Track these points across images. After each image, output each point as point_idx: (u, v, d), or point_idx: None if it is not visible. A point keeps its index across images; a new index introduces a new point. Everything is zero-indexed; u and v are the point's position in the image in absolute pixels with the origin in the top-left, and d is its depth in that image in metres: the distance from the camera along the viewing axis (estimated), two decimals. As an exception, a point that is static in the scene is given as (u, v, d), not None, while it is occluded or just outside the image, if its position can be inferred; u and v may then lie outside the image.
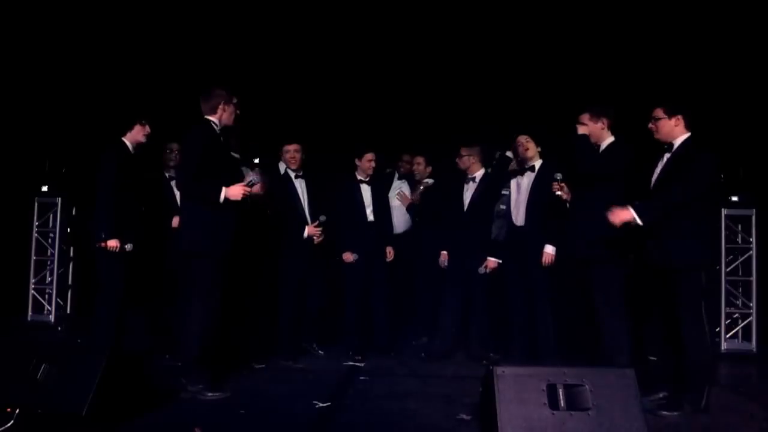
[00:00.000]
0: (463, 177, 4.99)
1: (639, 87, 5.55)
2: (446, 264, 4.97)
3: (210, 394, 3.63)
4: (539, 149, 4.61)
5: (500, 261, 4.74)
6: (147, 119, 4.29)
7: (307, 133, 5.17)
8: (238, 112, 3.96)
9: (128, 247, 4.14)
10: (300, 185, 4.87)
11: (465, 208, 4.90)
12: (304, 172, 4.92)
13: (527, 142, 4.59)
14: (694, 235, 3.43)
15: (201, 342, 3.66)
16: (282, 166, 4.96)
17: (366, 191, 5.10)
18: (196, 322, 3.67)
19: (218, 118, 3.85)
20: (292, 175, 4.87)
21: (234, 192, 3.70)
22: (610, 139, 3.98)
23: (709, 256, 3.60)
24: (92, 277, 4.32)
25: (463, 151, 4.93)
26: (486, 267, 4.76)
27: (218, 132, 3.85)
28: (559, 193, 4.06)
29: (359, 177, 5.11)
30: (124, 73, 6.19)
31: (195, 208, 3.73)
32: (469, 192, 4.93)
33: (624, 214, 3.47)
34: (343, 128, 6.34)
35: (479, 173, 4.94)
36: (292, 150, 4.82)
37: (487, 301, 4.85)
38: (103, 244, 4.07)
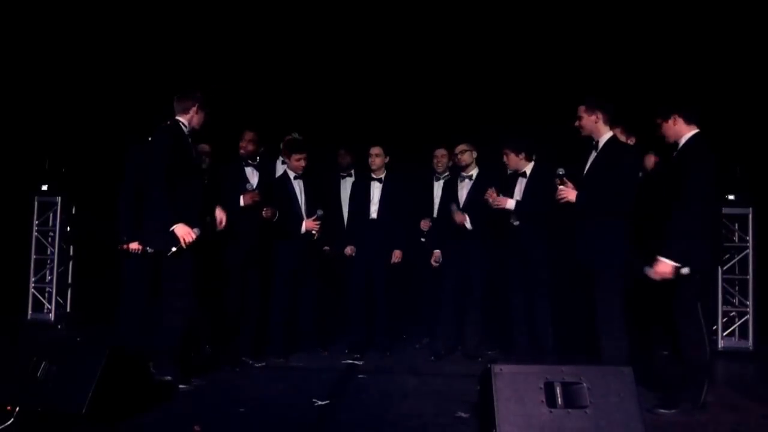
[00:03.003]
0: (457, 174, 5.00)
1: (637, 87, 5.56)
2: (439, 262, 4.97)
3: (181, 386, 3.71)
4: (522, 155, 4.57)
5: None
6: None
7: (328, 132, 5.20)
8: (206, 119, 3.90)
9: (150, 250, 4.05)
10: (298, 185, 4.90)
11: (461, 205, 4.89)
12: (303, 173, 4.93)
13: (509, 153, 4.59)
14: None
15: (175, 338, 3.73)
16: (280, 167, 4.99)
17: (375, 188, 5.08)
18: (170, 319, 3.72)
19: (188, 120, 3.82)
20: (291, 175, 4.89)
21: (181, 232, 3.63)
22: (608, 134, 3.83)
23: (701, 259, 3.48)
24: (93, 275, 4.32)
25: (465, 147, 4.91)
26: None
27: (186, 134, 3.81)
28: (562, 188, 3.87)
29: (372, 174, 5.12)
30: (125, 73, 6.19)
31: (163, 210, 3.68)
32: (464, 189, 4.92)
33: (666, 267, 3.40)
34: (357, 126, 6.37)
35: (475, 171, 4.94)
36: (302, 159, 4.83)
37: (483, 299, 4.86)
38: (125, 246, 4.05)
